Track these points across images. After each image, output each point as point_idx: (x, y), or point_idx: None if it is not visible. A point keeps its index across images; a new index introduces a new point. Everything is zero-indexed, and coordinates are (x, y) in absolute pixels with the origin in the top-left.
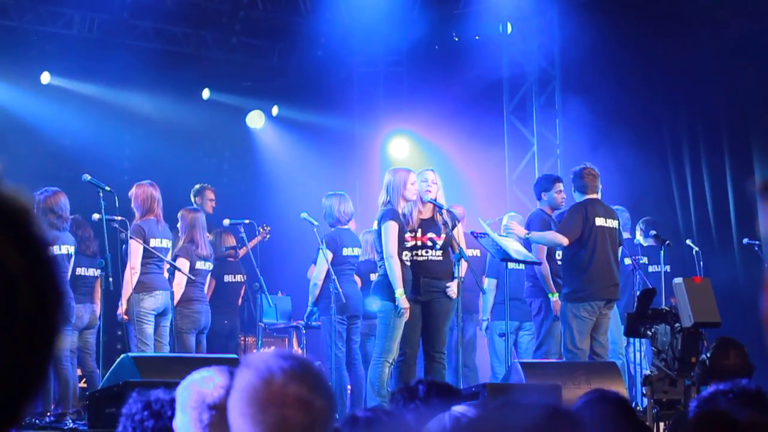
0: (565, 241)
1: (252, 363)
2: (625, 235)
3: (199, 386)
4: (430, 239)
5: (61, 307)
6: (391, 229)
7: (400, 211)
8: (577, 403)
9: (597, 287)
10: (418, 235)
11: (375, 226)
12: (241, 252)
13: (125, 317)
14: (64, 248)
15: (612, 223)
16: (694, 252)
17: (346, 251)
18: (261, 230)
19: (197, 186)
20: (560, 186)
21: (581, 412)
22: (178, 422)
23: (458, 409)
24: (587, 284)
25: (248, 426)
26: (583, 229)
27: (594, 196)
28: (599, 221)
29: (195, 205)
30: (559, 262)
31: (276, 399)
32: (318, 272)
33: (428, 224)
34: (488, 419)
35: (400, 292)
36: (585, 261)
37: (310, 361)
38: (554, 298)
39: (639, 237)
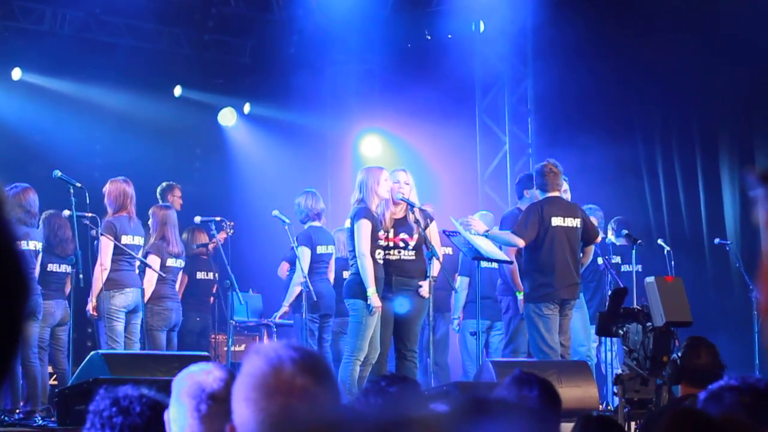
0: (520, 242)
1: (262, 351)
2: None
3: (198, 377)
4: (402, 240)
5: (27, 301)
6: (364, 227)
7: (373, 209)
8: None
9: (555, 287)
10: (391, 235)
11: (348, 224)
12: (213, 242)
13: (94, 314)
14: (32, 244)
15: (571, 222)
16: (665, 251)
17: (320, 249)
18: (225, 225)
19: (164, 184)
20: None
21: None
22: (173, 413)
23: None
24: (546, 284)
25: (250, 411)
26: (539, 230)
27: (555, 194)
28: (556, 221)
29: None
30: None
31: (283, 388)
32: (298, 273)
33: (400, 224)
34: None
35: (372, 290)
36: (542, 261)
37: (319, 354)
38: (521, 296)
39: (611, 236)
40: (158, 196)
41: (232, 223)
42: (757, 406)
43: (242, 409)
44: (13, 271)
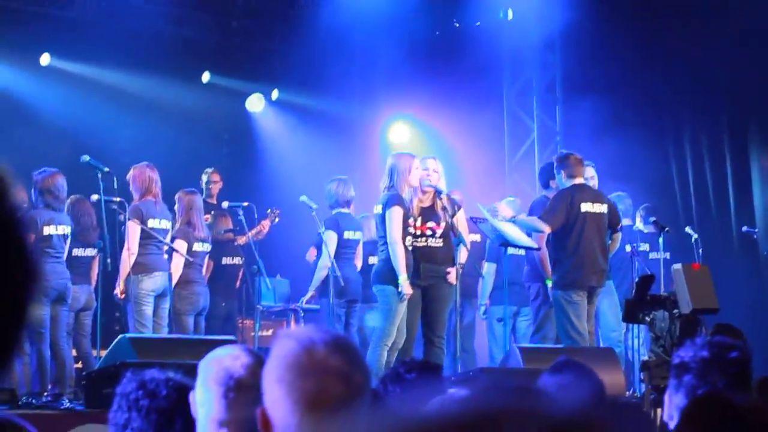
0: (546, 228)
1: (293, 333)
2: (626, 221)
3: (226, 362)
4: (430, 228)
5: (35, 284)
6: (396, 214)
7: (404, 196)
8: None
9: (584, 273)
10: (418, 224)
11: (378, 210)
12: (245, 237)
13: (122, 296)
14: (61, 228)
15: (600, 208)
16: (693, 239)
17: (347, 234)
18: (270, 213)
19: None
20: None
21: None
22: (199, 397)
23: (452, 391)
24: (574, 270)
25: (284, 392)
26: (569, 216)
27: (580, 181)
28: (585, 206)
29: (204, 189)
30: None
31: (317, 368)
32: (324, 257)
33: (428, 213)
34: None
35: (404, 278)
36: (571, 247)
37: (348, 337)
38: (550, 283)
39: (639, 223)
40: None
41: (277, 211)
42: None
43: (275, 390)
44: (20, 255)
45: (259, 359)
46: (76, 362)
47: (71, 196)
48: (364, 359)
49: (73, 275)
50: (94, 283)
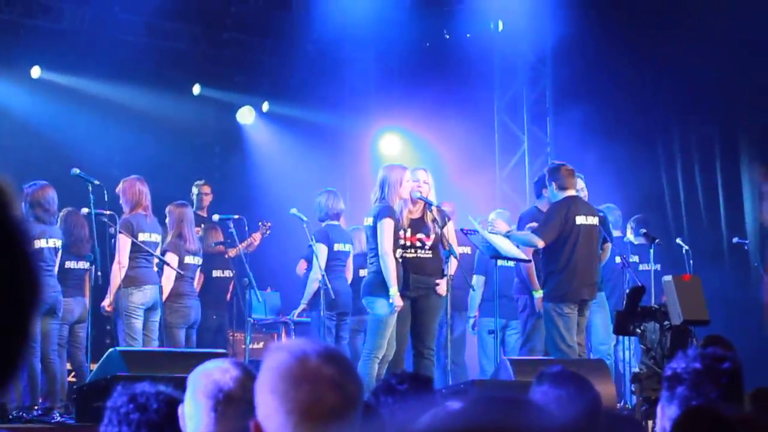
0: (540, 243)
1: (284, 346)
2: (616, 233)
3: (215, 375)
4: (419, 240)
5: (37, 298)
6: (387, 226)
7: (395, 208)
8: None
9: (576, 286)
10: (408, 235)
11: (368, 222)
12: (236, 250)
13: (109, 309)
14: (51, 241)
15: (593, 221)
16: (684, 251)
17: (337, 246)
18: (261, 225)
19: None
20: None
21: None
22: (188, 410)
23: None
24: (566, 283)
25: (277, 403)
26: (563, 229)
27: (572, 192)
28: (580, 219)
29: (195, 201)
30: None
31: (311, 377)
32: (315, 270)
33: (418, 224)
34: (471, 412)
35: (395, 290)
36: (564, 259)
37: (339, 348)
38: (537, 295)
39: (629, 235)
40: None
41: (268, 224)
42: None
43: (268, 401)
44: (22, 269)
45: (248, 372)
46: (70, 375)
47: (63, 209)
48: (356, 369)
49: (67, 288)
50: (87, 295)
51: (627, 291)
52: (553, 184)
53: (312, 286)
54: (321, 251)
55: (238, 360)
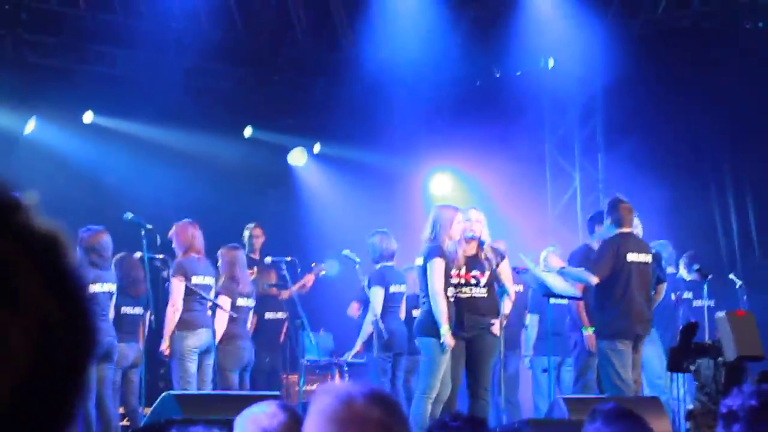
0: (594, 279)
1: (330, 389)
2: (669, 269)
3: (262, 421)
4: (474, 277)
5: (93, 344)
6: (438, 266)
7: (445, 248)
8: None
9: (630, 322)
10: (462, 272)
11: (419, 262)
12: (288, 292)
13: (167, 352)
14: (106, 286)
15: (645, 258)
16: (737, 286)
17: (393, 288)
18: (314, 267)
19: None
20: None
21: None
22: None
23: None
24: (619, 319)
25: None
26: (615, 265)
27: (627, 230)
28: (631, 257)
29: (246, 244)
30: None
31: (357, 420)
32: (371, 313)
33: (472, 262)
34: None
35: (446, 328)
36: (617, 296)
37: (386, 389)
38: (587, 332)
39: (682, 271)
40: (245, 241)
41: (322, 265)
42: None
43: None
44: (78, 315)
45: (294, 416)
46: (123, 419)
47: (117, 254)
48: (403, 411)
49: (121, 333)
50: (142, 340)
51: (680, 328)
52: (609, 219)
53: (367, 329)
54: (377, 295)
55: (285, 403)
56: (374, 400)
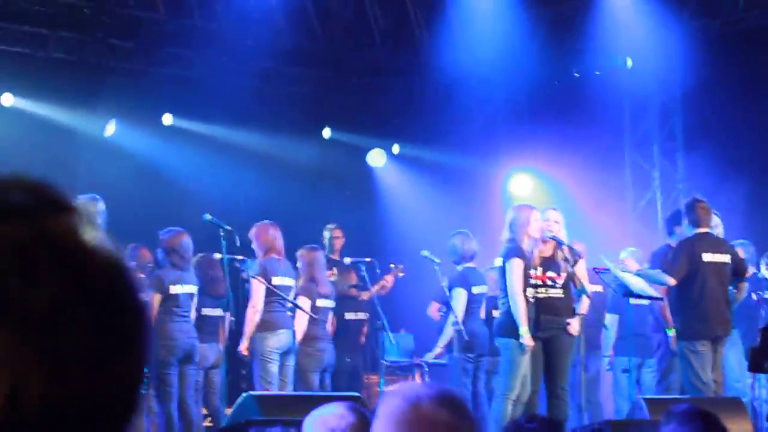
0: (671, 280)
1: (398, 391)
2: (750, 269)
3: (330, 422)
4: (550, 278)
5: (148, 351)
6: (516, 266)
7: (524, 248)
8: None
9: (708, 323)
10: (538, 273)
11: (499, 263)
12: (369, 293)
13: (246, 352)
14: (187, 287)
15: (722, 258)
16: None
17: (475, 289)
18: (394, 268)
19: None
20: None
21: None
22: None
23: None
24: (698, 321)
25: None
26: (690, 266)
27: (704, 230)
28: (707, 257)
29: (326, 245)
30: None
31: (425, 422)
32: (453, 314)
33: (548, 262)
34: None
35: (525, 329)
36: (695, 297)
37: (454, 390)
38: (672, 333)
39: (763, 271)
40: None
41: (401, 266)
42: None
43: None
44: (136, 323)
45: (363, 418)
46: (206, 420)
47: (197, 255)
48: (472, 413)
49: (203, 334)
50: (223, 341)
51: (761, 328)
52: (686, 219)
53: (449, 330)
54: (460, 296)
55: (354, 404)
56: (442, 402)
